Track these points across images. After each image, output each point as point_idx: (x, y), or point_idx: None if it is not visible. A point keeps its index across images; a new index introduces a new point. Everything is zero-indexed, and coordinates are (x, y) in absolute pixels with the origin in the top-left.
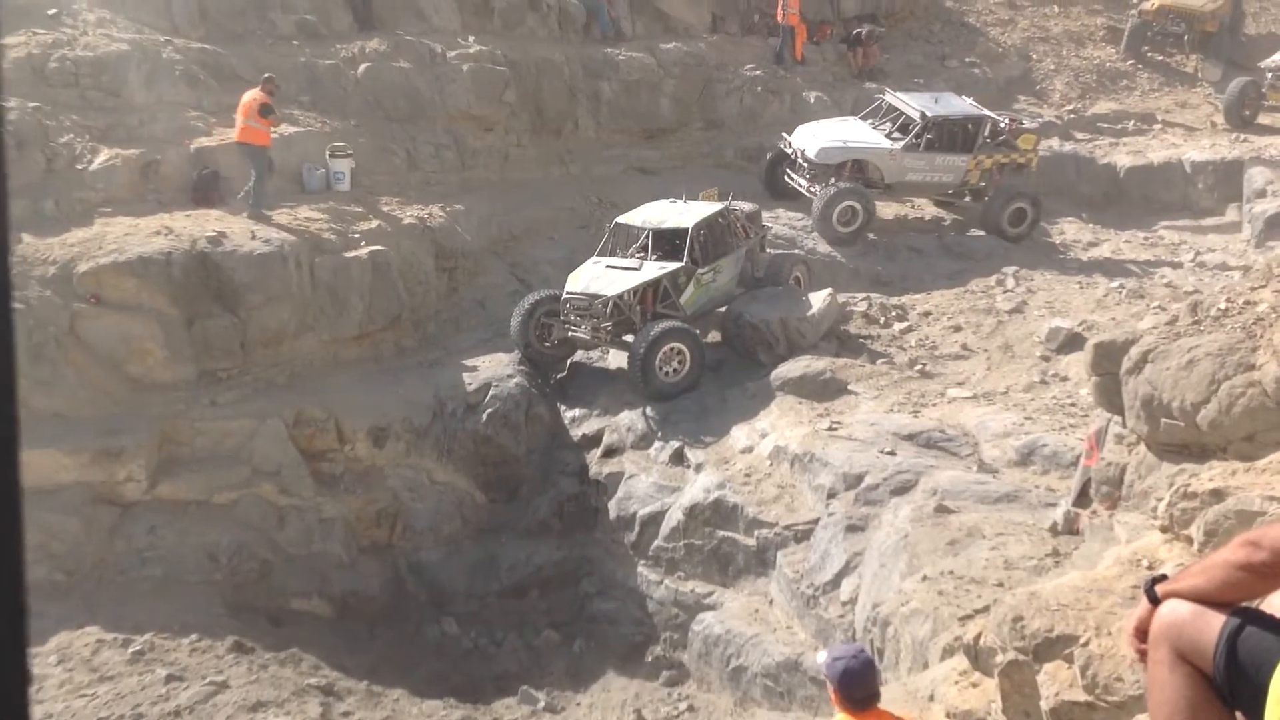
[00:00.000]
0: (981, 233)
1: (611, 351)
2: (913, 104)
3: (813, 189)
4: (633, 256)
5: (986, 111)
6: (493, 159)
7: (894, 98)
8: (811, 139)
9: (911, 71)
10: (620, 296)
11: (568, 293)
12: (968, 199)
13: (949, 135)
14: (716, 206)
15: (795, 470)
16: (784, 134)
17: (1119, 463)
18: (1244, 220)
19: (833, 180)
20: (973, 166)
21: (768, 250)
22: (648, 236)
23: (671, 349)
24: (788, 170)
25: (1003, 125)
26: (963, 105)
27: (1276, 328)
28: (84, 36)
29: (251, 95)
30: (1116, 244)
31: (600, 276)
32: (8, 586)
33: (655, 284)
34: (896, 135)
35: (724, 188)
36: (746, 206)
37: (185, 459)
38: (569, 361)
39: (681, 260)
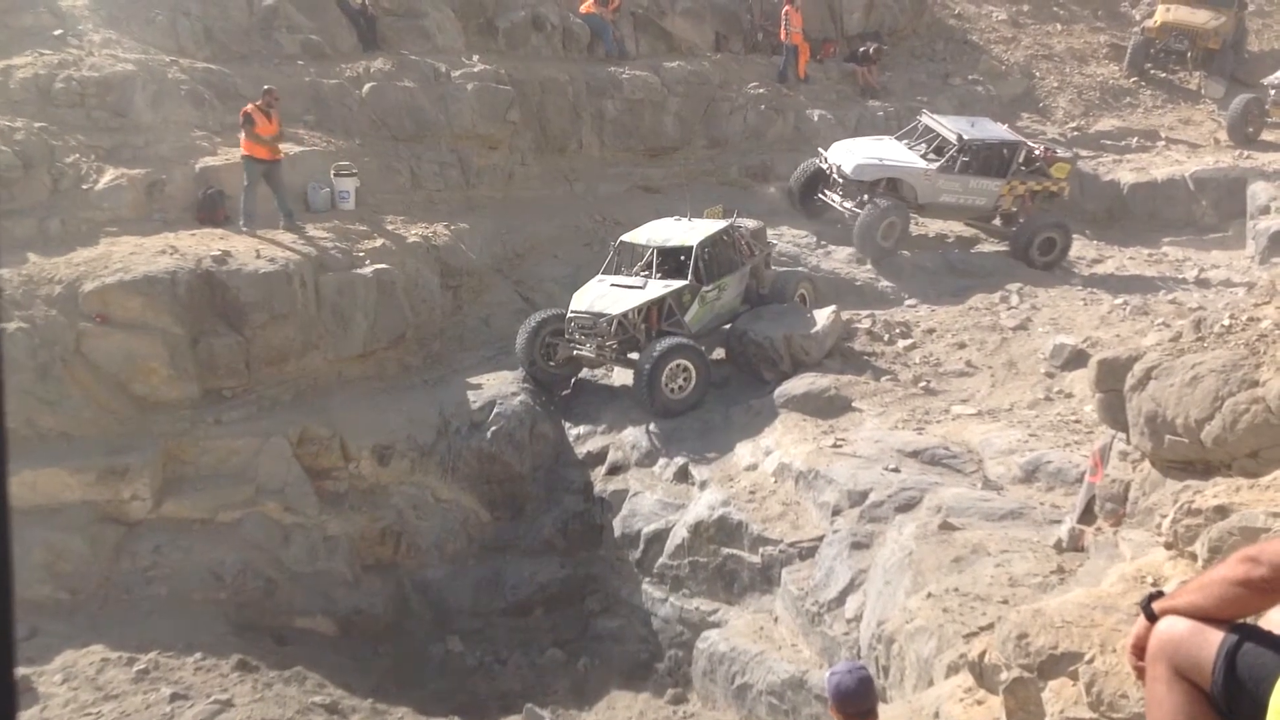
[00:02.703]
0: (986, 249)
1: (616, 369)
2: (949, 126)
3: (846, 204)
4: (637, 274)
5: (1022, 138)
6: (497, 177)
7: (931, 119)
8: (848, 155)
9: (915, 89)
10: (625, 315)
11: (572, 311)
12: (997, 222)
13: (984, 159)
14: (721, 224)
15: (800, 487)
16: (820, 149)
17: (1123, 479)
18: (1248, 237)
19: (866, 197)
20: (1006, 192)
21: (773, 267)
22: (652, 254)
23: (677, 365)
24: (823, 189)
25: (1037, 153)
26: (999, 130)
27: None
28: (90, 57)
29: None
30: (1120, 260)
31: (605, 295)
32: None
33: (660, 302)
34: (932, 156)
35: (728, 205)
36: (751, 223)
37: (190, 477)
38: (573, 379)
39: (686, 278)
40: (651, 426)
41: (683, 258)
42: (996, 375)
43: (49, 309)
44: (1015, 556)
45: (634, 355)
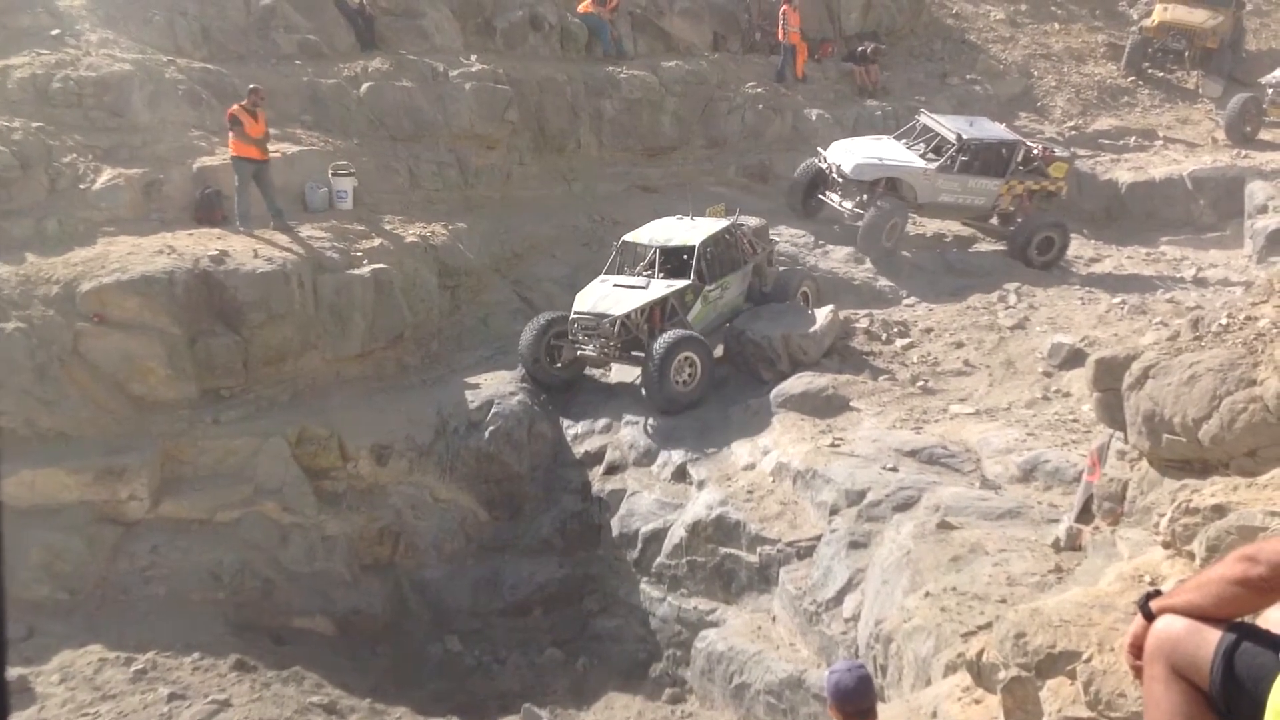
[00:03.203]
0: (984, 249)
1: (615, 367)
2: (948, 126)
3: (845, 204)
4: (640, 274)
5: (1020, 138)
6: (495, 177)
7: (929, 119)
8: (847, 155)
9: (913, 89)
10: (628, 316)
11: (575, 312)
12: (995, 222)
13: (983, 159)
14: (723, 222)
15: (797, 487)
16: (819, 148)
17: (1121, 478)
18: (1245, 236)
19: (864, 197)
20: (1004, 191)
21: (775, 265)
22: (655, 254)
23: (684, 358)
24: (823, 190)
25: (1035, 152)
26: (997, 130)
27: (1278, 343)
28: (87, 57)
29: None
30: (1118, 260)
31: (608, 295)
32: None
33: (662, 302)
34: (931, 156)
35: (727, 205)
36: (753, 221)
37: (188, 477)
38: (574, 381)
39: (688, 278)
40: (651, 422)
41: (685, 257)
42: (994, 374)
43: (46, 309)
44: (1013, 555)
45: (637, 354)
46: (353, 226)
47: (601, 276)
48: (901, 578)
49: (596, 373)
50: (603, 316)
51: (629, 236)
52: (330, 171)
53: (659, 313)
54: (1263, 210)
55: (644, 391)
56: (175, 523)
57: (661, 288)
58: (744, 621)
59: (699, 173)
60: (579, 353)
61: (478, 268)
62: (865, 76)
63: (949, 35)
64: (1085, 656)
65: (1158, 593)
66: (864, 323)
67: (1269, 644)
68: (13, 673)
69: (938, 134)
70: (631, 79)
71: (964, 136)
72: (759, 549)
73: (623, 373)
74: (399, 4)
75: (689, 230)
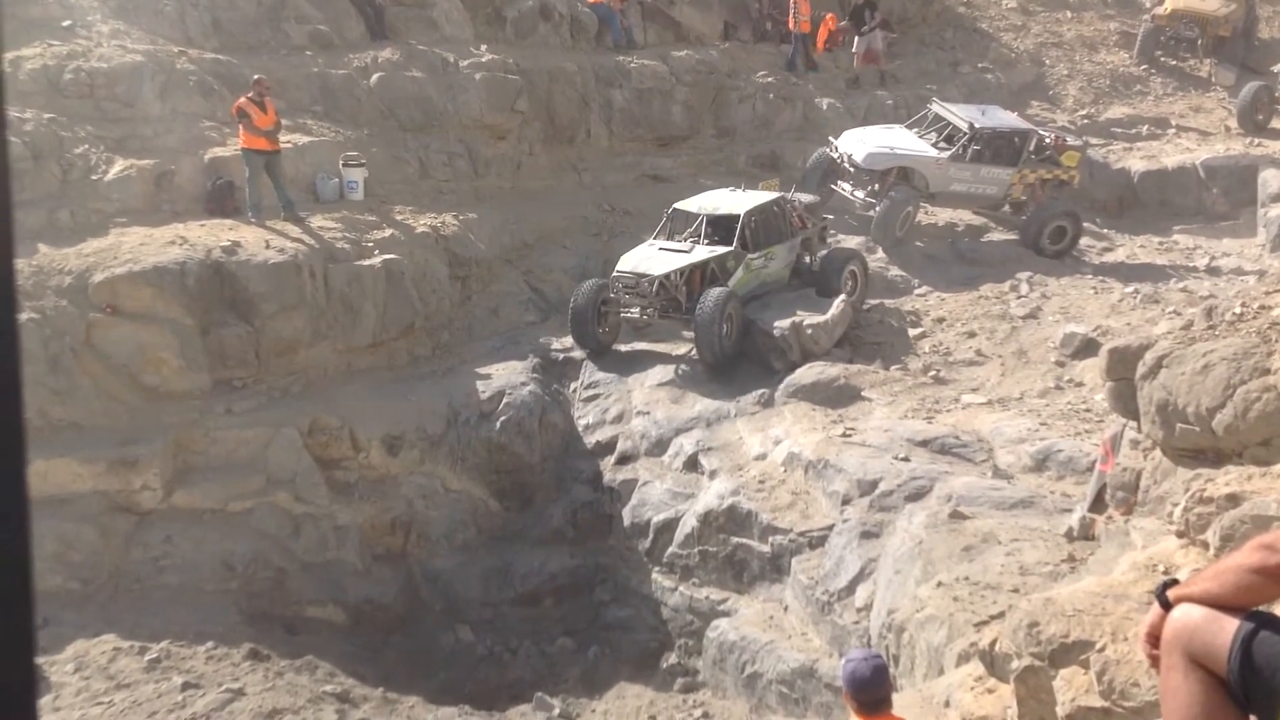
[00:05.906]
0: (996, 238)
1: (621, 354)
2: (960, 115)
3: (856, 193)
4: (686, 240)
5: (1033, 126)
6: (505, 167)
7: (941, 108)
8: (859, 144)
9: (924, 78)
10: (667, 276)
11: (617, 271)
12: (1007, 210)
13: (994, 148)
14: (773, 195)
15: (809, 477)
16: (830, 138)
17: (1134, 468)
18: (1259, 224)
19: (876, 186)
20: (1016, 180)
21: (827, 243)
22: (702, 222)
23: (726, 315)
24: (837, 180)
25: (1047, 141)
26: (1009, 119)
27: None
28: (98, 48)
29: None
30: (1131, 249)
31: (650, 257)
32: (16, 594)
33: (703, 266)
34: (942, 145)
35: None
36: (806, 198)
37: (200, 468)
38: (583, 364)
39: (732, 245)
40: (659, 415)
41: (731, 226)
42: (1006, 364)
43: (59, 300)
44: (1026, 545)
45: (676, 316)
46: (364, 217)
47: (649, 241)
48: (914, 567)
49: (623, 348)
50: (642, 276)
51: (679, 204)
52: (341, 162)
53: (699, 276)
54: (1276, 199)
55: (695, 344)
56: (188, 513)
57: (704, 252)
58: (756, 611)
59: (709, 162)
60: (623, 315)
61: (488, 258)
62: (874, 49)
63: (960, 23)
64: (1099, 646)
65: (1175, 581)
66: (876, 313)
67: None
68: (36, 660)
69: (949, 123)
70: (642, 69)
71: (976, 125)
72: (771, 539)
73: (630, 363)
74: None
75: (737, 200)
